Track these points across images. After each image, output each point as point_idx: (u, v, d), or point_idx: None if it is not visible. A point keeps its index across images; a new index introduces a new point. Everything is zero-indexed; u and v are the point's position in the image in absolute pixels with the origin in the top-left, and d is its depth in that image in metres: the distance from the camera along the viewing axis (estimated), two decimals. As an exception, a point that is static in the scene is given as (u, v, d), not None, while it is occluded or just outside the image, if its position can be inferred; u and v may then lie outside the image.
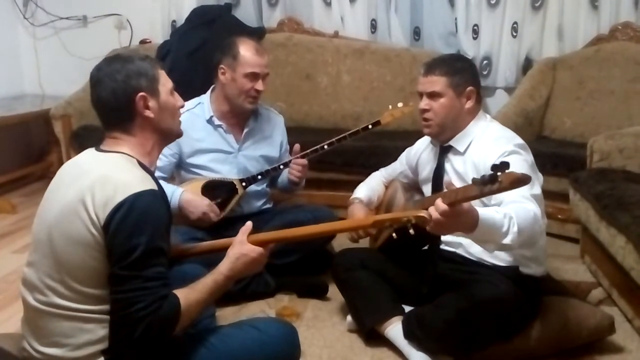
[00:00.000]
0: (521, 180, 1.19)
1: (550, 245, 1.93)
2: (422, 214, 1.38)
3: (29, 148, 3.86)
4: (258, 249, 1.43)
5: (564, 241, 2.68)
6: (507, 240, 1.45)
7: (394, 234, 1.57)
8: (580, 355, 1.80)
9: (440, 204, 1.33)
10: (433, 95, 1.80)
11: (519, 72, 3.33)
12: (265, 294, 2.18)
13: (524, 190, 1.56)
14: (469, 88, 1.82)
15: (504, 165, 1.19)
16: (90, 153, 1.39)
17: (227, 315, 2.03)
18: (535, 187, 1.67)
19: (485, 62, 3.38)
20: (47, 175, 3.71)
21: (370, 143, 2.84)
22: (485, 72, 3.38)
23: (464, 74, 1.83)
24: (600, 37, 3.13)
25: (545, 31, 3.28)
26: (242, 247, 1.42)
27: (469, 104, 1.83)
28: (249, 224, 1.49)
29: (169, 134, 1.44)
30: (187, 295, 1.30)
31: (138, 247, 1.22)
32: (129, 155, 1.36)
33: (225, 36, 3.22)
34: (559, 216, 2.66)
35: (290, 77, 3.41)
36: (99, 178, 1.27)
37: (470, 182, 1.29)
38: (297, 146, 2.26)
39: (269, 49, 3.39)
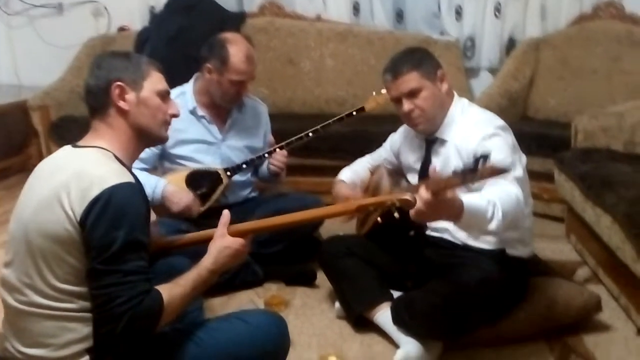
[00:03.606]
0: (500, 172, 1.24)
1: (536, 225, 1.93)
2: (406, 197, 1.38)
3: (7, 140, 3.77)
4: (239, 240, 1.42)
5: (549, 221, 2.70)
6: (492, 226, 1.47)
7: (379, 219, 1.56)
8: (567, 334, 1.82)
9: (424, 193, 1.32)
10: (412, 94, 1.77)
11: (503, 52, 3.32)
12: (253, 284, 2.17)
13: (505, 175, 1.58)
14: (439, 71, 1.81)
15: (484, 156, 1.23)
16: (66, 149, 1.36)
17: (215, 306, 2.01)
18: (517, 170, 1.68)
19: (469, 43, 3.36)
20: (26, 168, 3.64)
21: (355, 128, 2.82)
22: (469, 54, 3.37)
23: (428, 60, 1.82)
24: (584, 16, 3.12)
25: (529, 11, 3.26)
26: (223, 240, 1.41)
27: (445, 86, 1.82)
28: (226, 215, 1.46)
29: (146, 133, 1.40)
30: (170, 290, 1.27)
31: (116, 241, 1.19)
32: (105, 149, 1.33)
33: (205, 23, 3.22)
34: (544, 196, 2.68)
35: (272, 63, 3.36)
36: (74, 173, 1.24)
37: (454, 168, 1.30)
38: (271, 138, 2.26)
39: (250, 34, 3.34)
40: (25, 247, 1.25)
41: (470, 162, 1.24)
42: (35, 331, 1.24)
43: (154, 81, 1.40)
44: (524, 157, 1.80)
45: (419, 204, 1.34)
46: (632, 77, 2.84)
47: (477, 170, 1.22)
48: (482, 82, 3.36)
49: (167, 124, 1.44)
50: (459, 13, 3.34)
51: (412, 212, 1.38)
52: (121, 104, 1.35)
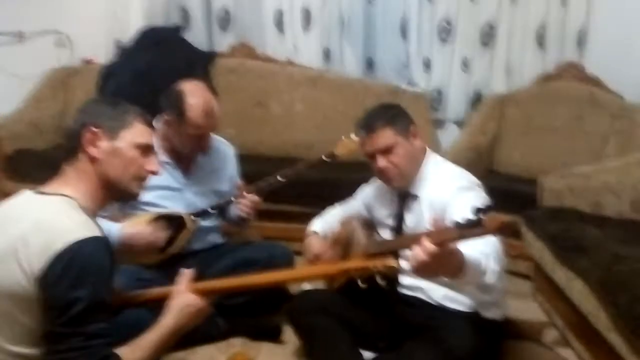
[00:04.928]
0: (507, 226, 1.16)
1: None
2: (392, 264, 1.33)
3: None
4: (201, 299, 1.36)
5: (515, 278, 2.69)
6: (488, 279, 1.43)
7: (361, 284, 1.50)
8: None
9: (428, 244, 1.22)
10: (386, 150, 1.77)
11: (469, 106, 3.38)
12: (215, 338, 2.05)
13: None
14: (412, 127, 1.82)
15: (487, 208, 1.17)
16: (26, 195, 1.26)
17: (175, 362, 1.89)
18: None
19: (436, 95, 3.41)
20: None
21: (325, 175, 2.78)
22: (436, 105, 3.42)
23: (401, 117, 1.83)
24: (547, 76, 3.23)
25: (494, 67, 3.35)
26: (184, 297, 1.35)
27: (418, 142, 1.83)
28: (188, 272, 1.41)
29: (115, 186, 1.31)
30: (132, 353, 1.19)
31: (79, 301, 1.11)
32: (70, 196, 1.24)
33: (174, 60, 3.16)
34: (511, 252, 2.67)
35: (241, 104, 3.32)
36: (34, 224, 1.15)
37: (428, 224, 1.25)
38: (238, 182, 2.19)
39: (220, 74, 3.30)
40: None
41: (468, 215, 1.17)
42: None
43: (136, 133, 1.33)
44: (492, 213, 1.80)
45: (422, 256, 1.22)
46: (593, 137, 2.93)
47: (482, 224, 1.15)
48: (449, 134, 3.40)
49: (140, 179, 1.36)
50: (427, 65, 3.40)
51: (413, 265, 1.26)
52: (91, 150, 1.27)
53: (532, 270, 2.50)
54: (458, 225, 1.21)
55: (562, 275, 2.01)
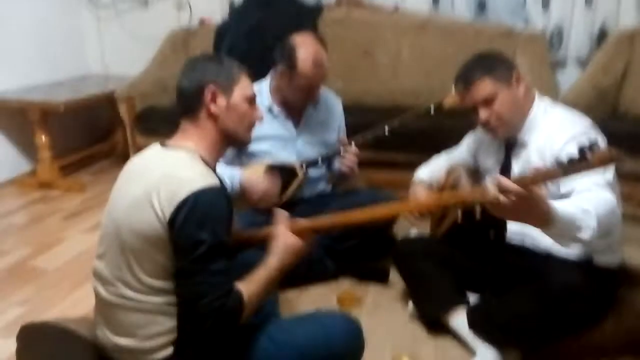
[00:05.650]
0: (612, 159, 1.12)
1: (624, 228, 1.80)
2: (490, 195, 1.31)
3: (94, 128, 3.99)
4: (300, 239, 1.43)
5: (638, 224, 2.53)
6: (584, 236, 1.40)
7: (459, 216, 1.51)
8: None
9: (510, 183, 1.24)
10: (488, 101, 1.70)
11: (593, 44, 3.13)
12: (325, 278, 2.18)
13: (597, 177, 1.50)
14: (514, 72, 1.72)
15: (592, 144, 1.14)
16: (155, 149, 1.40)
17: (289, 299, 2.04)
18: (607, 172, 1.57)
19: (555, 34, 3.19)
20: (111, 155, 3.84)
21: (432, 123, 2.74)
22: (555, 45, 3.20)
23: (500, 63, 1.73)
24: (686, 6, 2.89)
25: (622, 0, 3.05)
26: (284, 238, 1.43)
27: (522, 88, 1.73)
28: (282, 213, 1.49)
29: (233, 137, 1.43)
30: (247, 288, 1.31)
31: (203, 242, 1.23)
32: (193, 149, 1.37)
33: (283, 16, 3.24)
34: (635, 198, 2.51)
35: (348, 54, 3.34)
36: (163, 175, 1.29)
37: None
38: (343, 138, 2.25)
39: (327, 26, 3.34)
40: (117, 243, 1.31)
41: (574, 153, 1.16)
42: (124, 322, 1.31)
43: (244, 87, 1.42)
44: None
45: (503, 197, 1.25)
46: None
47: (587, 158, 1.13)
48: (570, 76, 3.19)
49: (251, 128, 1.47)
50: (545, 2, 3.18)
51: (495, 206, 1.30)
52: (212, 107, 1.38)
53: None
54: (561, 163, 1.19)
55: (689, 222, 1.87)
